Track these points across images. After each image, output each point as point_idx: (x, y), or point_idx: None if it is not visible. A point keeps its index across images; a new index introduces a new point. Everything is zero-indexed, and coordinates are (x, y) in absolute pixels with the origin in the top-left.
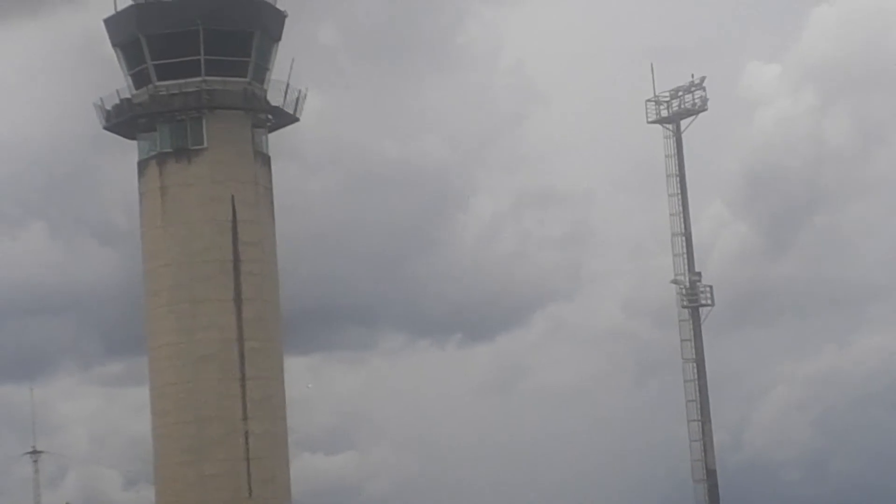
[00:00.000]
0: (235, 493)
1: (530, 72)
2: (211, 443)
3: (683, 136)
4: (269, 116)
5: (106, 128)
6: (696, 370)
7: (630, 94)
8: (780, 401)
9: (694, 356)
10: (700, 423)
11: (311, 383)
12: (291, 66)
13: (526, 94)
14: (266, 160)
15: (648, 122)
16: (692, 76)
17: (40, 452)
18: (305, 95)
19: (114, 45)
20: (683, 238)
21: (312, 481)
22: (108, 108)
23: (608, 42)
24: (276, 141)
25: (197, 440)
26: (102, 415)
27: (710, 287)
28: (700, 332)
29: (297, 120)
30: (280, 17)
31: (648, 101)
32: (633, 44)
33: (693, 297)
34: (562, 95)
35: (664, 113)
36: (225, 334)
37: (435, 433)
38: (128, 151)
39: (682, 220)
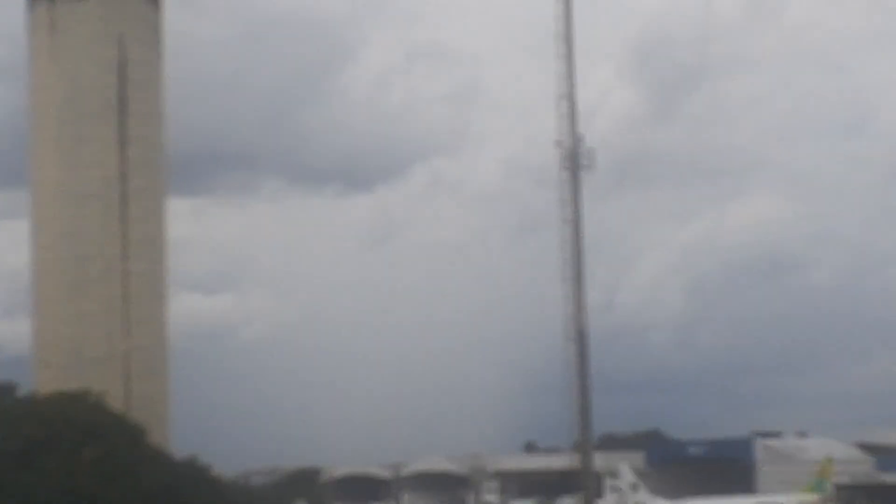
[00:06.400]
0: (112, 331)
1: None
2: (90, 280)
3: None
4: None
5: None
6: (573, 231)
7: None
8: (655, 265)
9: (572, 217)
10: (574, 284)
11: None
12: None
13: None
14: (157, 1)
15: None
16: None
17: None
18: None
19: None
20: (568, 100)
21: (190, 322)
22: None
23: None
24: None
25: (76, 277)
26: None
27: (593, 150)
28: (580, 194)
29: None
30: None
31: None
32: None
33: (574, 160)
34: None
35: None
36: (108, 173)
37: (312, 280)
38: None
39: (568, 82)
